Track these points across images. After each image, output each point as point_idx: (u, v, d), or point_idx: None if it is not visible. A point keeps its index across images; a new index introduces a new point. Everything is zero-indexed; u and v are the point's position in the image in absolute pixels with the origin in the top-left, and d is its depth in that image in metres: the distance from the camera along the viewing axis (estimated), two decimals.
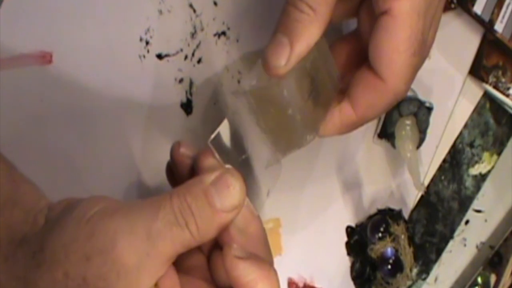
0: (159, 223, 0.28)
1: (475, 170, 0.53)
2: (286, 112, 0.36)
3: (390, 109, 0.47)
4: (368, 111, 0.37)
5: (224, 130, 0.34)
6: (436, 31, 0.37)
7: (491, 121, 0.53)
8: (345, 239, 0.49)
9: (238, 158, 0.36)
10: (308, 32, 0.34)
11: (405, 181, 0.50)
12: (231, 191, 0.29)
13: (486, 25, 0.48)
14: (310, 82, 0.37)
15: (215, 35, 0.43)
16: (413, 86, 0.49)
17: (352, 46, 0.39)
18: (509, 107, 0.51)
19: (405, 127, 0.47)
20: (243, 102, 0.37)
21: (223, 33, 0.43)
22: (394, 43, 0.34)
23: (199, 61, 0.43)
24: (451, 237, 0.53)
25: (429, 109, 0.49)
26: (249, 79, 0.36)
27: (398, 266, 0.47)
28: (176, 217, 0.28)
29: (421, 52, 0.35)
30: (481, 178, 0.54)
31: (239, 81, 0.44)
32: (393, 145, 0.48)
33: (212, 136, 0.33)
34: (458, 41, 0.50)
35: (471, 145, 0.53)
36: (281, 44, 0.34)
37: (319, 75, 0.37)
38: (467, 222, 0.54)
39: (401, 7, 0.33)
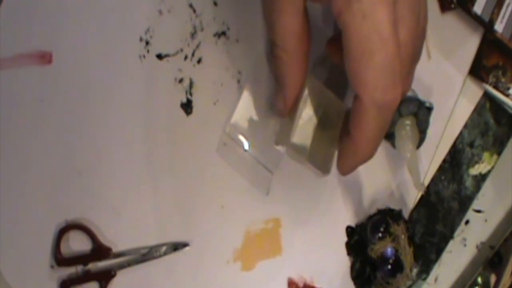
0: None
1: (475, 170, 0.53)
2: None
3: None
4: (360, 133, 0.35)
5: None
6: (418, 17, 0.35)
7: (491, 121, 0.53)
8: (345, 239, 0.49)
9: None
10: (290, 76, 0.38)
11: (405, 181, 0.50)
12: None
13: (486, 25, 0.48)
14: (317, 116, 0.41)
15: (215, 35, 0.43)
16: (413, 86, 0.49)
17: None
18: (509, 107, 0.51)
19: (405, 127, 0.47)
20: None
21: (223, 33, 0.43)
22: (348, 54, 0.33)
23: (199, 61, 0.43)
24: (451, 237, 0.53)
25: (429, 109, 0.49)
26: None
27: (398, 266, 0.47)
28: None
29: (383, 47, 0.32)
30: (481, 178, 0.54)
31: (238, 81, 0.44)
32: (393, 145, 0.48)
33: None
34: (458, 41, 0.50)
35: (471, 145, 0.53)
36: (276, 91, 0.40)
37: (320, 110, 0.41)
38: (467, 222, 0.54)
39: (344, 18, 0.32)
